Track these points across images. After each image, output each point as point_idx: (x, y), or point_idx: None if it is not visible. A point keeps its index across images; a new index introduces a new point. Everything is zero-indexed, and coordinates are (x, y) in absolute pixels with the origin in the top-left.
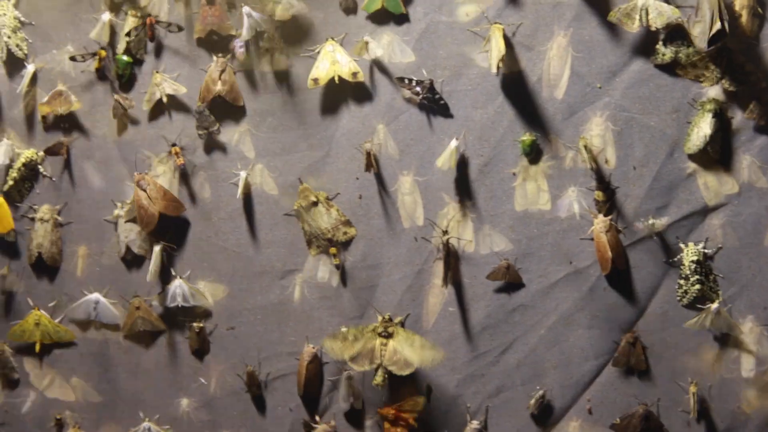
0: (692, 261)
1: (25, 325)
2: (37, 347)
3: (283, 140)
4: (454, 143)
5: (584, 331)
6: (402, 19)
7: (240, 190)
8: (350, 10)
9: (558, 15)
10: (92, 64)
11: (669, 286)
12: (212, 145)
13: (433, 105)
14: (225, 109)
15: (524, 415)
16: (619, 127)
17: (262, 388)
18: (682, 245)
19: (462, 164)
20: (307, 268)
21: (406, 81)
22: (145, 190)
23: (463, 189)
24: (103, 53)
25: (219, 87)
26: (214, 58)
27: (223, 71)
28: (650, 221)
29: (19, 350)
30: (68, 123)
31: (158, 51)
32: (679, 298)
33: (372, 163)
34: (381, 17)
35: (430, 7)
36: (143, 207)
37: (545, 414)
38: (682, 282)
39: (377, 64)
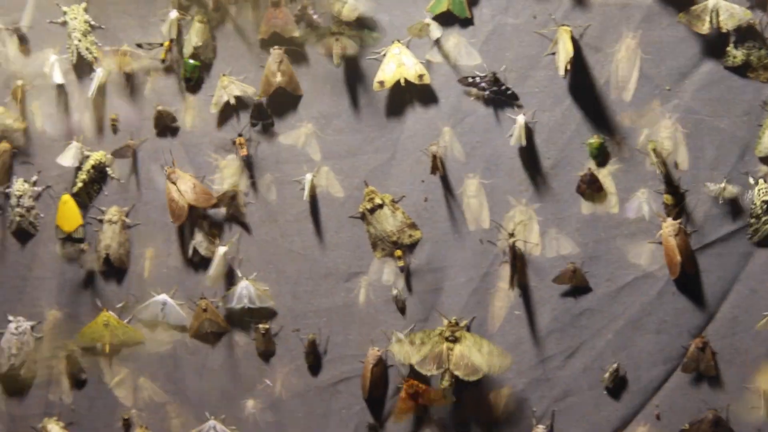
0: (764, 201)
1: (94, 326)
2: (107, 348)
3: (348, 143)
4: (521, 118)
5: (652, 336)
6: (468, 21)
7: (306, 193)
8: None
9: (626, 16)
10: (159, 54)
11: (739, 290)
12: (269, 143)
13: (501, 96)
14: (290, 110)
15: (591, 420)
16: (688, 130)
17: (321, 359)
18: (751, 180)
19: (529, 167)
20: (372, 270)
21: (470, 79)
22: (175, 183)
23: (530, 192)
24: (168, 44)
25: (279, 79)
26: (271, 50)
27: (281, 62)
28: (722, 185)
29: (88, 349)
30: (139, 124)
31: (224, 54)
32: (749, 236)
33: (438, 165)
34: (447, 19)
35: (497, 9)
36: (174, 200)
37: (619, 388)
38: (752, 221)
39: (442, 67)
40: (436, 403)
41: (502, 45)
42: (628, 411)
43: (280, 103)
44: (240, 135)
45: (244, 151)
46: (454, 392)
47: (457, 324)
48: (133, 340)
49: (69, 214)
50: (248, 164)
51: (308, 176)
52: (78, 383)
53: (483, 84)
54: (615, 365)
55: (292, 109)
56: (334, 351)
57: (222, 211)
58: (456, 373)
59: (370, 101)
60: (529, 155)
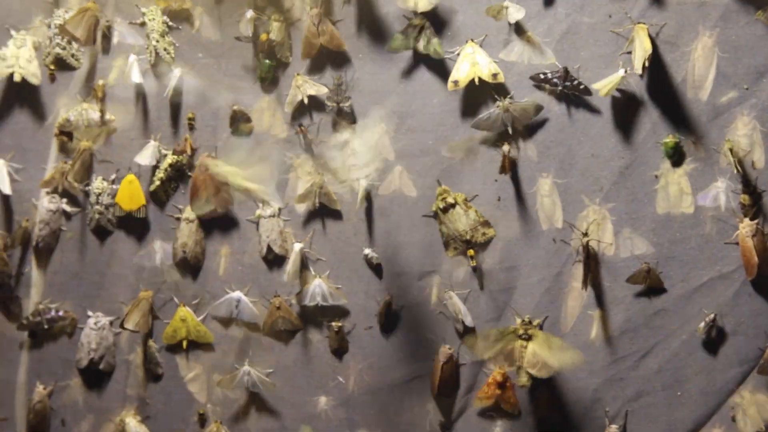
0: None
1: (174, 323)
2: (184, 344)
3: (422, 142)
4: (621, 72)
5: (728, 337)
6: (543, 19)
7: (360, 197)
8: None
9: (703, 15)
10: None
11: None
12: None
13: (574, 92)
14: (364, 110)
15: (665, 421)
16: (766, 129)
17: (395, 323)
18: None
19: (603, 168)
20: (444, 269)
21: (542, 75)
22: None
23: (604, 191)
24: (265, 36)
25: (320, 39)
26: (307, 9)
27: (320, 22)
28: None
29: (164, 345)
30: (215, 123)
31: (298, 53)
32: None
33: (506, 165)
34: (521, 20)
35: (572, 7)
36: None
37: (717, 340)
38: None
39: (516, 65)
40: (509, 405)
41: (576, 44)
42: (702, 413)
43: (354, 103)
44: (300, 125)
45: (303, 130)
46: (529, 391)
47: (530, 323)
48: (204, 339)
49: (133, 194)
50: (321, 164)
51: (362, 182)
52: (155, 378)
53: (555, 80)
54: (712, 315)
55: (365, 108)
56: (406, 348)
57: (301, 207)
58: (530, 370)
59: (444, 100)
60: (603, 154)
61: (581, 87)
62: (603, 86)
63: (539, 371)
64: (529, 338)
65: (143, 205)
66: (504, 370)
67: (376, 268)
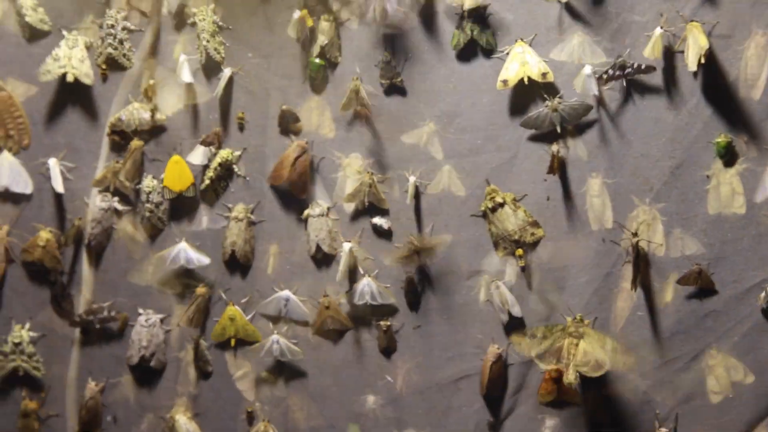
0: None
1: (223, 321)
2: (233, 342)
3: (470, 141)
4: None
5: None
6: (593, 18)
7: (410, 195)
8: None
9: (756, 14)
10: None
11: None
12: (391, 141)
13: (640, 74)
14: (413, 109)
15: (716, 424)
16: None
17: (419, 297)
18: None
19: (653, 167)
20: (492, 269)
21: (605, 75)
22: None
23: (654, 192)
24: (305, 12)
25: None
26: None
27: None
28: None
29: (214, 343)
30: (264, 123)
31: (352, 54)
32: None
33: (555, 166)
34: (571, 19)
35: (623, 6)
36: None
37: None
38: None
39: (566, 65)
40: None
41: (627, 43)
42: (754, 415)
43: (401, 101)
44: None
45: (366, 111)
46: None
47: (582, 321)
48: (252, 338)
49: (180, 174)
50: (373, 164)
51: (411, 179)
52: (204, 375)
53: (617, 72)
54: None
55: (415, 108)
56: (455, 348)
57: (350, 206)
58: (580, 369)
59: (493, 100)
60: (653, 154)
61: (643, 68)
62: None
63: (590, 370)
64: (580, 336)
65: (192, 183)
66: (557, 366)
67: (387, 234)
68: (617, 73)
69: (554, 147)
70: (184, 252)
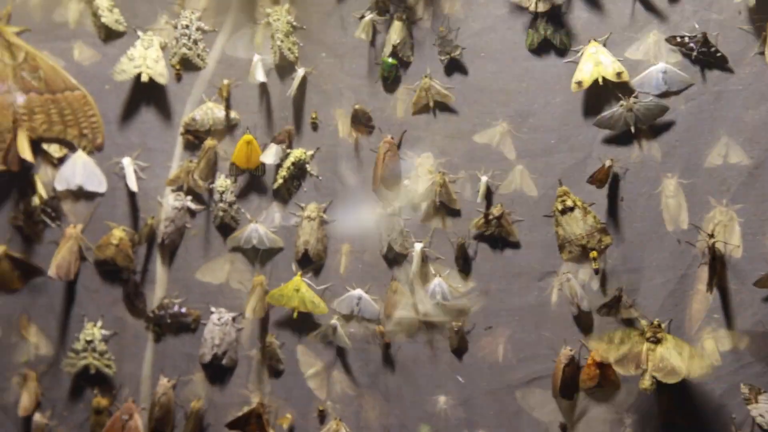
0: None
1: (285, 290)
2: (295, 314)
3: (544, 141)
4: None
5: None
6: (670, 16)
7: (480, 194)
8: None
9: None
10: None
11: None
12: (463, 140)
13: (710, 59)
14: (485, 109)
15: None
16: None
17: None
18: None
19: (730, 168)
20: (565, 270)
21: (678, 38)
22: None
23: (731, 192)
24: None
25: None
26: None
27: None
28: None
29: (286, 342)
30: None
31: (425, 53)
32: None
33: (600, 177)
34: (646, 17)
35: (700, 4)
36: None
37: None
38: None
39: (641, 64)
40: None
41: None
42: None
43: (474, 101)
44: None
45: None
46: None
47: (659, 326)
48: (318, 311)
49: (251, 153)
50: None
51: (483, 179)
52: (276, 373)
53: (692, 44)
54: None
55: (488, 107)
56: (527, 350)
57: (422, 205)
58: (656, 375)
59: (567, 99)
60: (729, 155)
61: (718, 55)
62: None
63: (667, 377)
64: (657, 341)
65: (261, 163)
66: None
67: None
68: (692, 44)
69: (608, 162)
70: (256, 232)
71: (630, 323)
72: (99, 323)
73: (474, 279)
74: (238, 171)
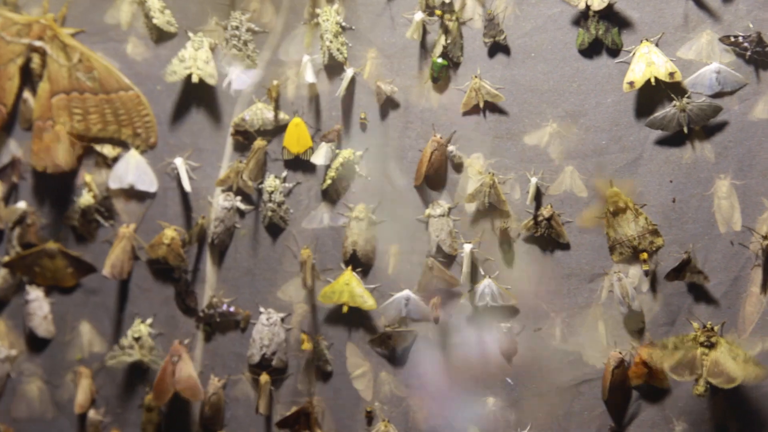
0: None
1: (336, 286)
2: (345, 308)
3: (594, 142)
4: None
5: None
6: (723, 15)
7: (530, 196)
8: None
9: None
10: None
11: None
12: (513, 142)
13: (764, 58)
14: (535, 110)
15: None
16: None
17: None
18: None
19: None
20: (615, 271)
21: (732, 38)
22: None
23: None
24: (439, 12)
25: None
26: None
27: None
28: None
29: (333, 343)
30: (386, 123)
31: (475, 54)
32: None
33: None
34: (699, 17)
35: (754, 4)
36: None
37: None
38: None
39: (693, 64)
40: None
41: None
42: None
43: (524, 101)
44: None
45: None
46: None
47: (712, 329)
48: (367, 306)
49: (300, 136)
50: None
51: (533, 180)
52: (324, 375)
53: (746, 44)
54: None
55: (538, 108)
56: (576, 351)
57: (471, 206)
58: (711, 380)
59: (618, 99)
60: None
61: None
62: None
63: (722, 382)
64: (711, 346)
65: (310, 147)
66: (648, 346)
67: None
68: (746, 43)
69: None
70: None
71: (697, 291)
72: (149, 320)
73: (523, 279)
74: (289, 155)
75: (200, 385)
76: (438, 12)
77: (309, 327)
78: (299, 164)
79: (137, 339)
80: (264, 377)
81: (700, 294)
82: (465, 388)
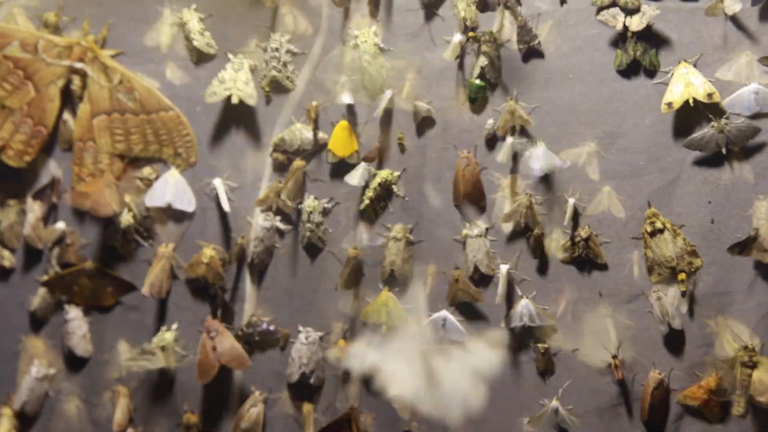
0: None
1: (375, 305)
2: (384, 329)
3: (632, 163)
4: None
5: None
6: (762, 36)
7: (567, 217)
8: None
9: None
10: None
11: None
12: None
13: None
14: (573, 129)
15: None
16: None
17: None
18: None
19: None
20: (655, 290)
21: None
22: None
23: None
24: (472, 34)
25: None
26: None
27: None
28: None
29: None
30: (424, 144)
31: (512, 75)
32: None
33: None
34: (738, 38)
35: None
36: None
37: None
38: None
39: (732, 85)
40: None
41: None
42: None
43: (562, 122)
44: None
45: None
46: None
47: (754, 349)
48: (401, 323)
49: (346, 140)
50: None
51: (571, 200)
52: (365, 384)
53: None
54: None
55: (575, 127)
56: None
57: (507, 227)
58: (758, 399)
59: (656, 120)
60: None
61: None
62: None
63: (765, 401)
64: (753, 366)
65: (356, 150)
66: (720, 379)
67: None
68: None
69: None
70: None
71: (735, 312)
72: (174, 325)
73: (559, 300)
74: (334, 158)
75: (245, 353)
76: (471, 34)
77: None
78: (340, 175)
79: (162, 348)
80: (307, 407)
81: (740, 315)
82: (502, 409)
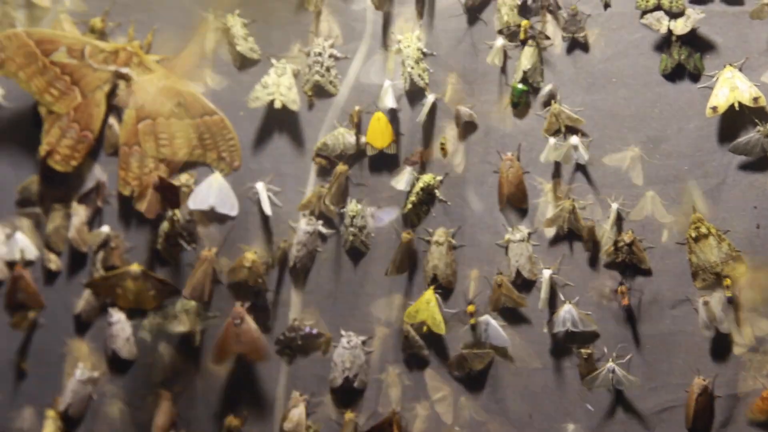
0: None
1: (419, 305)
2: (425, 328)
3: (676, 167)
4: None
5: None
6: None
7: (611, 222)
8: None
9: None
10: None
11: None
12: (592, 165)
13: None
14: (617, 133)
15: None
16: None
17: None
18: None
19: None
20: (701, 295)
21: None
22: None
23: None
24: (526, 23)
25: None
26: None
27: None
28: None
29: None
30: (466, 148)
31: (555, 79)
32: None
33: None
34: None
35: None
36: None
37: None
38: None
39: None
40: None
41: None
42: None
43: (605, 126)
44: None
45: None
46: None
47: None
48: (437, 329)
49: (383, 131)
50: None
51: (614, 206)
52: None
53: None
54: None
55: (619, 131)
56: (658, 378)
57: (550, 231)
58: None
59: (701, 125)
60: None
61: None
62: None
63: None
64: None
65: (393, 141)
66: None
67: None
68: None
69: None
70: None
71: None
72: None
73: (602, 305)
74: (373, 150)
75: (266, 345)
76: (525, 23)
77: (391, 350)
78: (379, 169)
79: (186, 311)
80: (349, 415)
81: None
82: (545, 414)
